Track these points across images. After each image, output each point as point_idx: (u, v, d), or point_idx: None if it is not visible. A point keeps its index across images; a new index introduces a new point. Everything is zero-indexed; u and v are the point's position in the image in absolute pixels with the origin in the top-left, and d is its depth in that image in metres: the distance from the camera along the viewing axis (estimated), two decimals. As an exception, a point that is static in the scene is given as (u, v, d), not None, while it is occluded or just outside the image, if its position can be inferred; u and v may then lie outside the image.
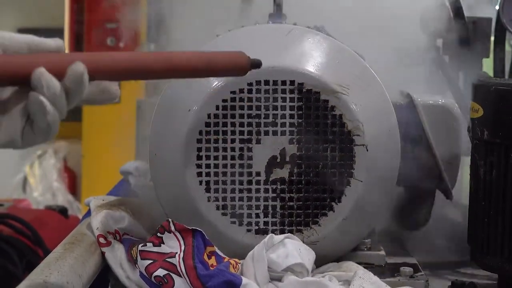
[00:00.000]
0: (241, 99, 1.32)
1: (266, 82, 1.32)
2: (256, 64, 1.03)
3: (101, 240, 1.32)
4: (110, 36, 4.51)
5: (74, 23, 4.76)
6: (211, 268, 1.24)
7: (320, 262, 1.34)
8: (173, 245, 1.27)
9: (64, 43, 0.91)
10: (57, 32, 5.05)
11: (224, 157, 1.33)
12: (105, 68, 0.86)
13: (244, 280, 1.23)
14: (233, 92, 1.32)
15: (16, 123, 0.85)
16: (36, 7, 5.95)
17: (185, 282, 1.23)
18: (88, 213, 1.42)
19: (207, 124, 1.32)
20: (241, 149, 1.33)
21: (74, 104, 0.87)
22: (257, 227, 1.34)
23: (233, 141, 1.33)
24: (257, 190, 1.34)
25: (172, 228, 1.28)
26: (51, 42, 0.90)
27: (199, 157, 1.33)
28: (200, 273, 1.22)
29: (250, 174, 1.33)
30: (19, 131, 0.85)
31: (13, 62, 0.81)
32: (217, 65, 0.94)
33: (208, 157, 1.33)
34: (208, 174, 1.33)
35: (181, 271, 1.23)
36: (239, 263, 1.29)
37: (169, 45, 1.81)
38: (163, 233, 1.28)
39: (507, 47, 1.86)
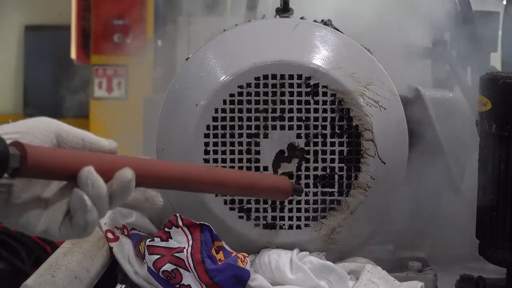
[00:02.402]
0: (249, 94, 1.32)
1: (273, 76, 1.31)
2: (298, 191, 1.04)
3: (109, 235, 1.32)
4: (117, 33, 4.51)
5: (81, 20, 4.76)
6: (219, 262, 1.25)
7: (328, 255, 1.34)
8: (181, 240, 1.27)
9: (117, 146, 0.91)
10: (64, 29, 5.06)
11: (232, 152, 1.33)
12: (153, 177, 0.87)
13: (252, 274, 1.23)
14: (241, 87, 1.32)
15: (56, 216, 0.85)
16: (43, 4, 5.96)
17: (193, 277, 1.23)
18: (96, 209, 1.42)
19: (215, 119, 1.32)
20: (249, 143, 1.33)
21: (116, 207, 0.87)
22: (264, 222, 1.34)
23: (240, 135, 1.33)
24: (265, 185, 1.33)
25: (180, 223, 1.28)
26: (106, 143, 0.90)
27: (206, 152, 1.32)
28: (208, 267, 1.22)
29: (257, 168, 1.33)
30: (58, 223, 0.85)
31: (65, 157, 0.82)
32: (260, 188, 0.95)
33: (215, 152, 1.33)
34: (215, 169, 1.33)
35: (189, 265, 1.23)
36: (247, 257, 1.29)
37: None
38: (170, 228, 1.28)
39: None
